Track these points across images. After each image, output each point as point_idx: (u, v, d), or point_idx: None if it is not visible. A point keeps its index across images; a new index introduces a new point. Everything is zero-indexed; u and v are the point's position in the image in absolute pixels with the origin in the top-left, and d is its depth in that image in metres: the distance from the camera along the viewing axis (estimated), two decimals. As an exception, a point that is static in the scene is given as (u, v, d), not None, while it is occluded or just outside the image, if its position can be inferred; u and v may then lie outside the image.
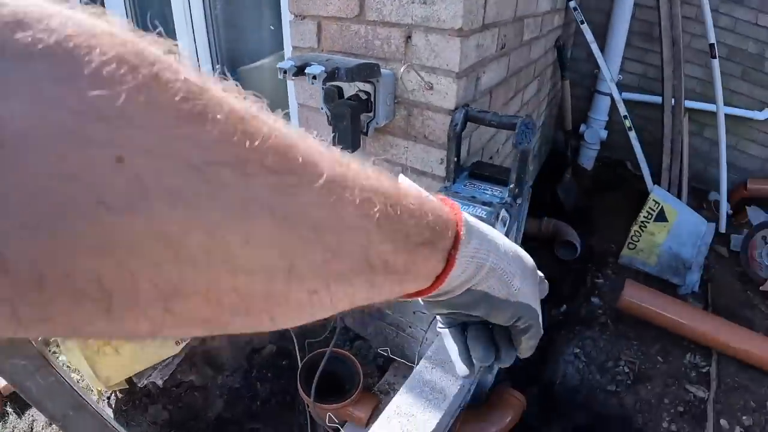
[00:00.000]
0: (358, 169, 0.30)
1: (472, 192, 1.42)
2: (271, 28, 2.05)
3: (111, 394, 2.20)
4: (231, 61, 2.27)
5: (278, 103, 2.01)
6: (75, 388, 1.34)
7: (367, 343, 2.42)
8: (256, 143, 0.24)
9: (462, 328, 0.55)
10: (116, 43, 0.21)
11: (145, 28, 0.24)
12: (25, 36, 0.19)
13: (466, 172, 1.55)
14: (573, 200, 3.54)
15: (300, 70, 1.26)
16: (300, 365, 2.03)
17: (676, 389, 2.36)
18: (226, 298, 0.25)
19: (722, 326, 2.56)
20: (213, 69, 2.23)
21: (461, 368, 0.55)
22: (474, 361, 0.54)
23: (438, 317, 0.56)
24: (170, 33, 2.18)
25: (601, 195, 3.77)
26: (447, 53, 1.39)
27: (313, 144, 0.28)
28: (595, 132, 3.91)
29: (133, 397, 2.19)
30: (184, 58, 0.24)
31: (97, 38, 0.20)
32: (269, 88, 2.21)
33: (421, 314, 2.07)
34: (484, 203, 1.36)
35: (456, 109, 1.43)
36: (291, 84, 1.89)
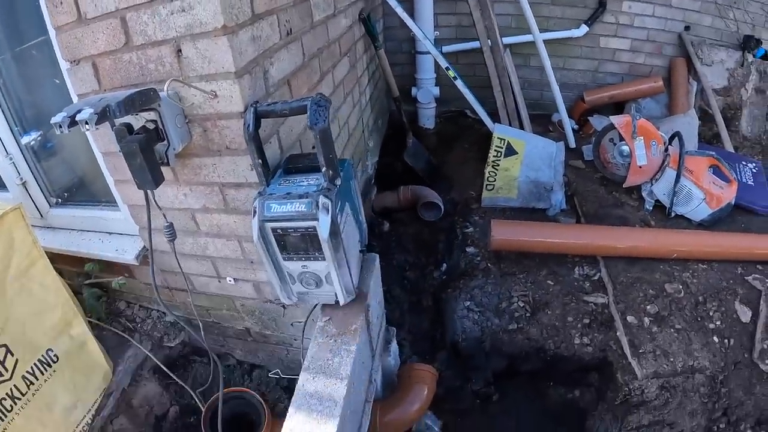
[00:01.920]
0: None
1: (287, 189, 1.33)
2: (56, 81, 1.86)
3: None
4: (34, 127, 2.08)
5: (90, 158, 1.87)
6: None
7: (264, 370, 2.33)
8: None
9: None
10: None
11: None
12: None
13: (281, 169, 1.46)
14: (423, 162, 3.56)
15: (73, 120, 1.12)
16: (202, 417, 1.93)
17: (575, 304, 2.44)
18: None
19: (598, 232, 2.68)
20: (17, 142, 2.05)
21: None
22: None
23: None
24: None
25: (450, 148, 3.83)
26: (219, 55, 1.29)
27: None
28: (427, 91, 3.95)
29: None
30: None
31: None
32: (77, 148, 2.05)
33: (298, 324, 1.99)
34: (300, 196, 1.27)
35: (245, 109, 1.34)
36: (90, 136, 1.74)
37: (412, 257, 3.07)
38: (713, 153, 2.98)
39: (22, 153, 2.09)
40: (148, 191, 1.39)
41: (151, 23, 1.32)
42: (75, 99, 1.65)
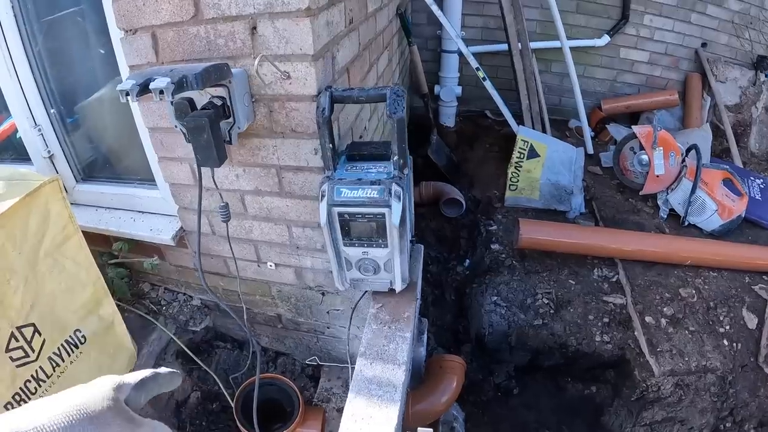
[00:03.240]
0: None
1: (358, 174, 1.31)
2: (101, 52, 1.82)
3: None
4: (65, 99, 1.99)
5: (126, 133, 1.81)
6: None
7: (291, 358, 2.30)
8: None
9: None
10: None
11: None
12: None
13: (344, 156, 1.44)
14: (445, 160, 3.56)
15: (144, 89, 1.06)
16: (233, 404, 1.88)
17: (596, 304, 2.46)
18: None
19: (617, 235, 2.71)
20: (47, 113, 1.98)
21: None
22: None
23: None
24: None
25: (470, 147, 3.84)
26: (298, 37, 1.25)
27: None
28: (450, 90, 3.96)
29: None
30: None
31: None
32: (113, 121, 1.99)
33: (335, 311, 1.98)
34: (372, 183, 1.26)
35: (319, 93, 1.31)
36: (137, 109, 1.68)
37: (434, 251, 3.08)
38: (727, 167, 3.02)
39: (52, 124, 2.01)
40: (203, 170, 1.34)
41: None
42: (125, 70, 1.60)
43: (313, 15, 1.24)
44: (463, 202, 3.15)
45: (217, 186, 1.46)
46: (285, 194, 1.62)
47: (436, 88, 4.01)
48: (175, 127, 1.32)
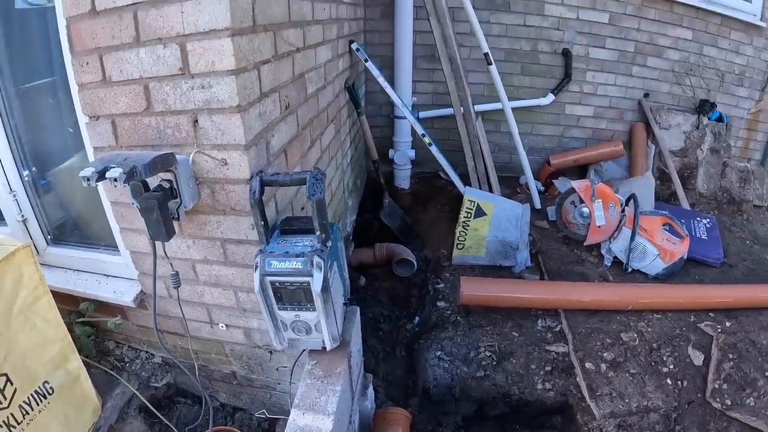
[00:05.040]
0: None
1: (285, 248, 1.54)
2: (70, 130, 2.06)
3: None
4: (38, 165, 2.22)
5: (93, 202, 2.02)
6: None
7: (247, 413, 2.45)
8: None
9: None
10: None
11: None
12: None
13: (278, 230, 1.67)
14: (399, 222, 3.80)
15: (101, 175, 1.33)
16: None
17: (538, 353, 2.64)
18: None
19: (560, 287, 2.92)
20: (21, 179, 2.18)
21: None
22: None
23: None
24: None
25: (424, 208, 4.10)
26: (232, 129, 1.50)
27: None
28: (404, 154, 4.24)
29: None
30: None
31: None
32: (81, 190, 2.17)
33: (283, 368, 2.17)
34: (297, 255, 1.49)
35: (251, 177, 1.56)
36: (100, 185, 1.91)
37: (386, 310, 3.27)
38: (666, 212, 3.27)
39: (25, 189, 2.20)
40: (154, 244, 1.58)
41: (172, 94, 1.52)
42: (90, 150, 1.81)
43: (243, 110, 1.49)
44: (415, 262, 3.38)
45: (167, 256, 1.69)
46: (230, 263, 1.84)
47: (391, 152, 4.28)
48: (132, 204, 1.53)
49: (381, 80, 3.38)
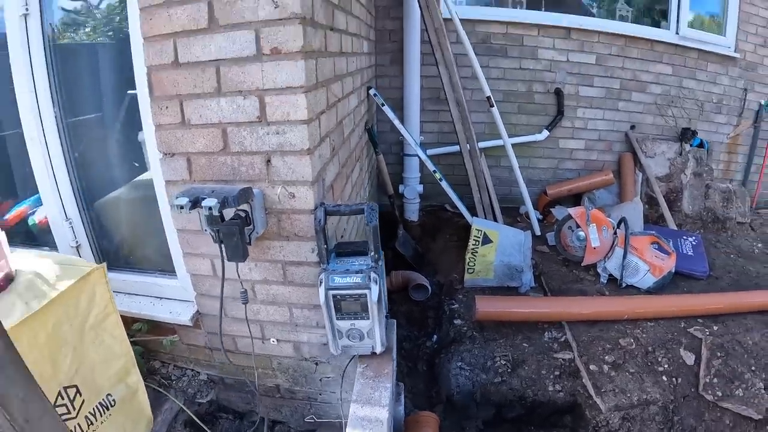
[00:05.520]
0: None
1: (345, 266, 1.86)
2: (136, 164, 2.35)
3: None
4: (94, 195, 2.47)
5: (148, 232, 2.34)
6: None
7: (286, 426, 2.62)
8: None
9: None
10: None
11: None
12: None
13: (333, 253, 1.97)
14: (411, 251, 4.10)
15: (194, 204, 1.66)
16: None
17: (547, 361, 2.91)
18: None
19: (563, 302, 3.24)
20: (78, 207, 2.42)
21: None
22: None
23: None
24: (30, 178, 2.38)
25: (433, 239, 4.42)
26: (301, 168, 1.84)
27: None
28: (413, 188, 4.59)
29: None
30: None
31: None
32: (134, 219, 2.53)
33: (326, 378, 2.40)
34: (356, 272, 1.81)
35: (315, 208, 1.89)
36: (167, 214, 2.19)
37: (405, 331, 3.54)
38: (653, 232, 3.62)
39: (81, 217, 2.41)
40: (224, 265, 1.87)
41: (249, 137, 1.83)
42: (160, 183, 2.08)
43: (311, 153, 1.83)
44: (429, 287, 3.66)
45: (239, 277, 2.00)
46: (288, 283, 2.12)
47: (401, 187, 4.65)
48: (205, 231, 1.82)
49: (396, 122, 3.76)
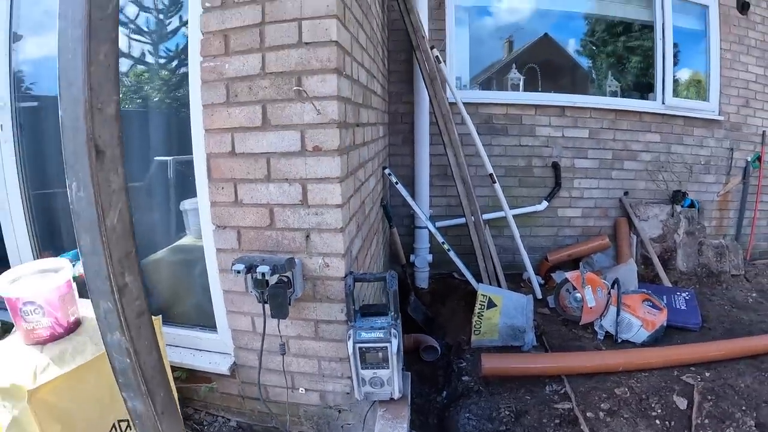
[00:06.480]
0: None
1: (369, 323, 2.20)
2: (184, 234, 2.72)
3: None
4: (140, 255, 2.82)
5: (200, 287, 2.63)
6: None
7: None
8: None
9: None
10: None
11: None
12: None
13: (359, 313, 2.30)
14: (422, 315, 4.38)
15: (248, 270, 2.08)
16: None
17: (548, 411, 3.18)
18: None
19: (562, 357, 3.55)
20: None
21: None
22: None
23: None
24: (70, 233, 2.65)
25: (442, 304, 4.75)
26: (335, 243, 2.24)
27: None
28: (423, 258, 4.96)
29: None
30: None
31: None
32: (181, 277, 2.85)
33: (347, 425, 2.61)
34: (379, 328, 2.16)
35: (345, 276, 2.30)
36: (215, 276, 2.51)
37: (417, 388, 3.82)
38: (645, 290, 3.98)
39: None
40: (265, 321, 2.24)
41: (292, 217, 2.22)
42: (211, 251, 2.42)
43: (342, 231, 2.25)
44: (438, 348, 3.93)
45: (280, 332, 2.39)
46: (319, 338, 2.43)
47: (412, 257, 4.95)
48: (250, 292, 2.21)
49: (408, 199, 4.19)
